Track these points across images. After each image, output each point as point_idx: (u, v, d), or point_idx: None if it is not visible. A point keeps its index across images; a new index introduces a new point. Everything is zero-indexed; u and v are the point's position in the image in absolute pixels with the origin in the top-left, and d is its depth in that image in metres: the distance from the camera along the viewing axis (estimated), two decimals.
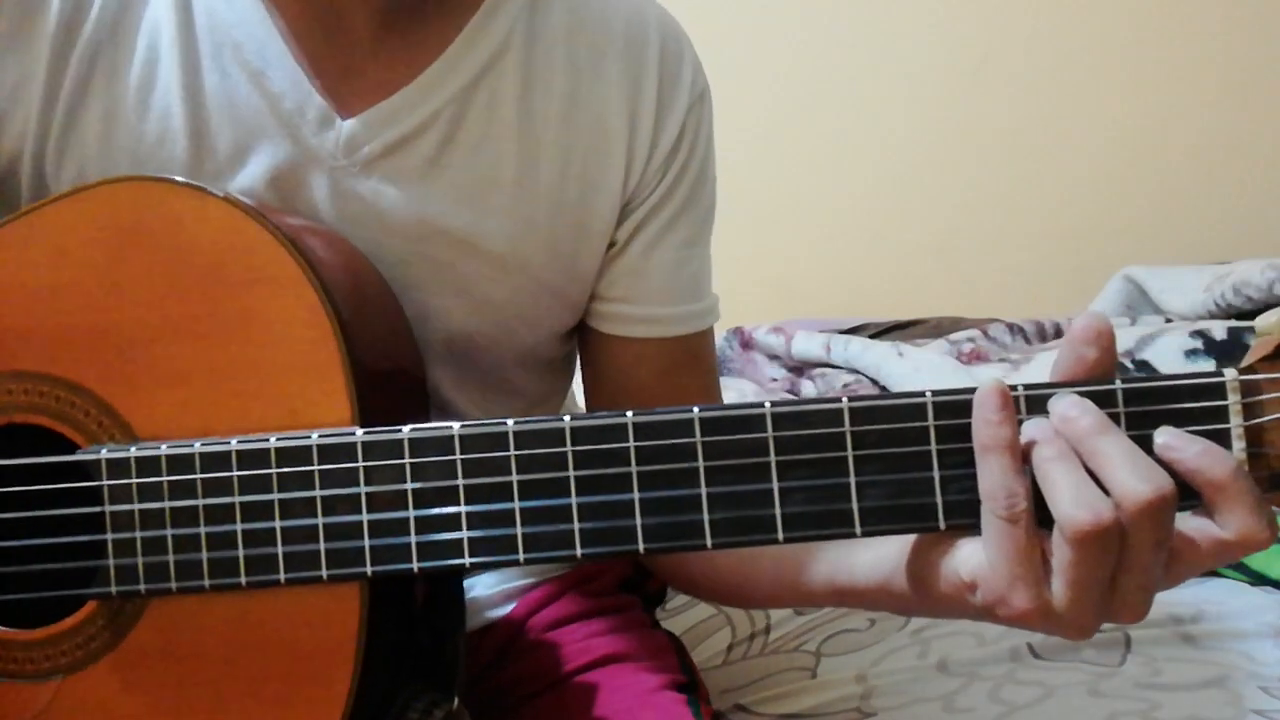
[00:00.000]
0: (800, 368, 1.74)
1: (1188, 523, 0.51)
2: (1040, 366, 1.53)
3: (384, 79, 0.72)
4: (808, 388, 1.69)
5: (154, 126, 0.70)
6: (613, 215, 0.78)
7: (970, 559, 0.54)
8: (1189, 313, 1.69)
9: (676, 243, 0.80)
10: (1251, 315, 1.62)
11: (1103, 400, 0.52)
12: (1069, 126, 2.03)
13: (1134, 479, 0.49)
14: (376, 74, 0.72)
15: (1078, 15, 2.02)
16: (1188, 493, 0.51)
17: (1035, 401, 0.53)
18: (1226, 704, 0.89)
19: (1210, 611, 1.04)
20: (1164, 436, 0.52)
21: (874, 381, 1.60)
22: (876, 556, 0.61)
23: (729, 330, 1.84)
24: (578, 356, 0.87)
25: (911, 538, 0.58)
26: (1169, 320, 1.69)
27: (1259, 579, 1.12)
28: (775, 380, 1.74)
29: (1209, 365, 1.49)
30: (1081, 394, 0.52)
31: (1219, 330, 1.52)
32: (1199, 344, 1.51)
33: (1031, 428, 0.52)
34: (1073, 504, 0.50)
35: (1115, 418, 0.52)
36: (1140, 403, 0.52)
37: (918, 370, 1.55)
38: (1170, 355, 1.50)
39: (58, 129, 0.70)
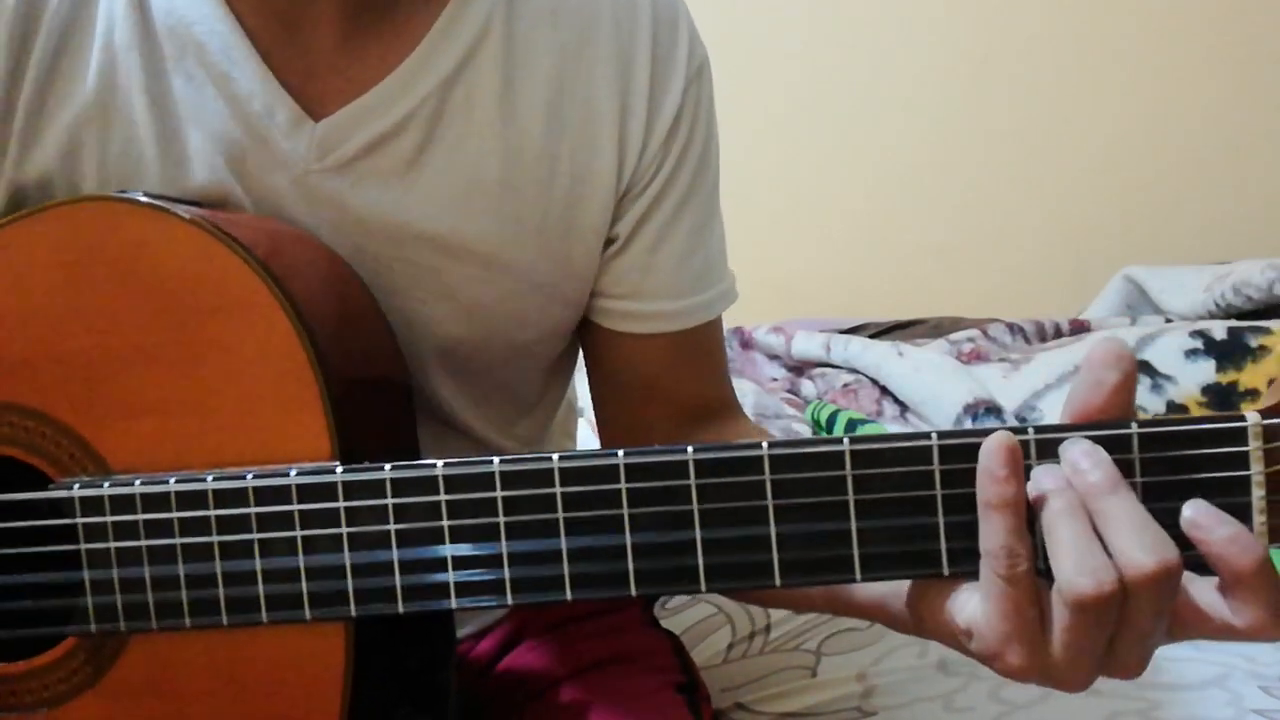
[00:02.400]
0: (800, 367, 1.74)
1: (1202, 595, 0.50)
2: (1040, 366, 1.53)
3: (355, 77, 0.68)
4: (808, 388, 1.69)
5: (119, 133, 0.68)
6: (606, 208, 0.73)
7: (967, 606, 0.52)
8: (1189, 313, 1.69)
9: (685, 232, 0.76)
10: (1251, 315, 1.62)
11: (1117, 445, 0.49)
12: (1069, 127, 2.03)
13: (1140, 550, 0.48)
14: (347, 72, 0.68)
15: (1078, 15, 2.02)
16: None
17: (1046, 446, 0.50)
18: (1226, 704, 0.89)
19: None
20: (1192, 511, 0.49)
21: (874, 381, 1.60)
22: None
23: (729, 330, 1.84)
24: (578, 353, 0.85)
25: None
26: (1169, 320, 1.69)
27: None
28: (775, 380, 1.74)
29: (1209, 365, 1.49)
30: (1095, 438, 0.50)
31: (1219, 330, 1.52)
32: (1199, 344, 1.51)
33: (1043, 477, 0.50)
34: (1076, 569, 0.48)
35: (1130, 464, 0.50)
36: (1156, 448, 0.50)
37: (918, 370, 1.55)
38: (1170, 355, 1.50)
39: (17, 142, 0.67)
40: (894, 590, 0.58)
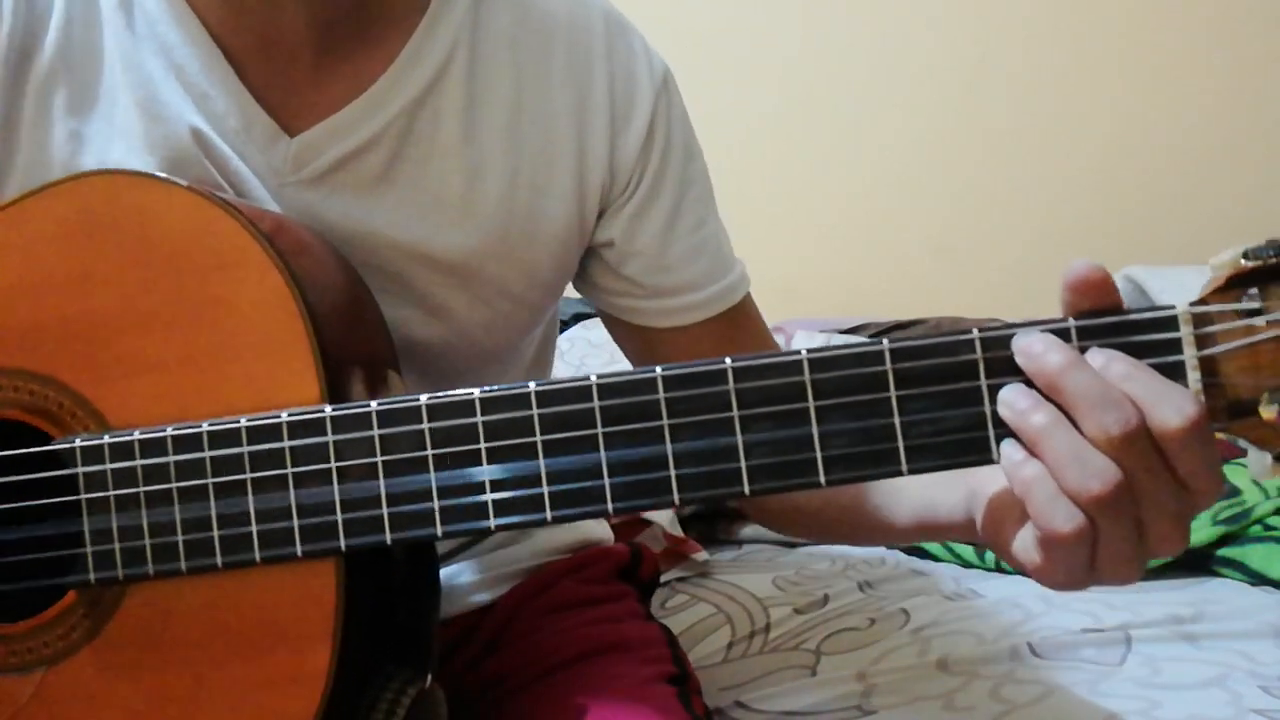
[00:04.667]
0: None
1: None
2: None
3: (329, 95, 0.72)
4: None
5: (119, 145, 0.71)
6: (572, 218, 0.78)
7: (1024, 547, 0.55)
8: None
9: (689, 227, 0.81)
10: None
11: (1058, 337, 0.53)
12: (1068, 126, 2.03)
13: (1121, 420, 0.50)
14: (323, 90, 0.72)
15: (1077, 15, 2.02)
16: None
17: (996, 343, 0.53)
18: (1226, 704, 0.89)
19: (1210, 611, 1.04)
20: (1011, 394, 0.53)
21: None
22: (951, 507, 0.65)
23: None
24: (550, 360, 0.89)
25: (984, 503, 0.60)
26: None
27: (1259, 579, 1.12)
28: None
29: None
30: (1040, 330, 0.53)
31: None
32: None
33: (1015, 397, 0.53)
34: (1080, 476, 0.50)
35: None
36: (1094, 338, 0.53)
37: None
38: None
39: (24, 151, 0.71)
40: (970, 520, 0.62)
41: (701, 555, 1.30)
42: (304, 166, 0.72)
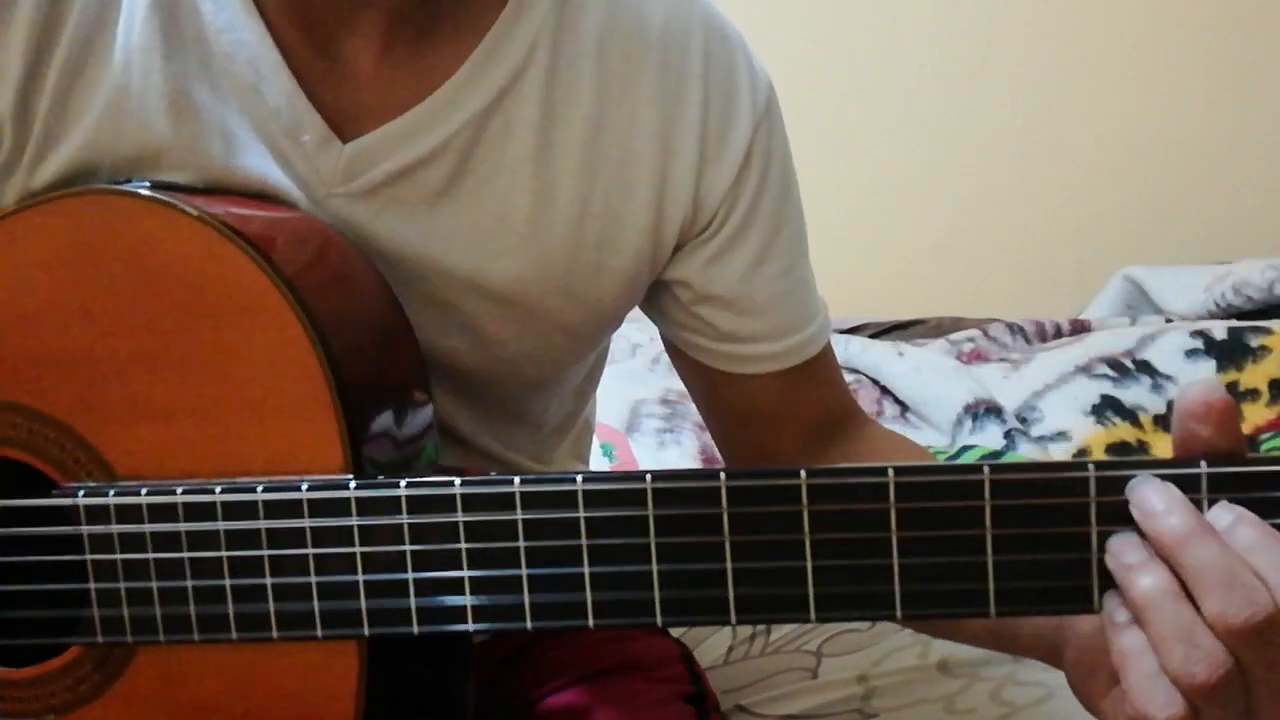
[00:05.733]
0: None
1: None
2: (1041, 366, 1.53)
3: (390, 99, 0.64)
4: None
5: (132, 137, 0.64)
6: (641, 252, 0.69)
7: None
8: (1189, 313, 1.69)
9: (776, 272, 0.73)
10: (1252, 315, 1.62)
11: (1182, 484, 0.46)
12: (1068, 127, 2.03)
13: (1233, 607, 0.44)
14: (384, 90, 0.64)
15: (1078, 15, 2.01)
16: None
17: (1112, 485, 0.47)
18: None
19: None
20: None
21: (874, 381, 1.60)
22: (1035, 631, 0.58)
23: None
24: (599, 376, 0.84)
25: (1076, 641, 0.54)
26: (1169, 320, 1.69)
27: None
28: None
29: (1210, 365, 1.49)
30: (1162, 476, 0.46)
31: (1219, 330, 1.52)
32: (1199, 344, 1.51)
33: (1125, 550, 0.46)
34: (1185, 660, 0.44)
35: (1198, 504, 0.46)
36: (1226, 490, 0.46)
37: (918, 370, 1.55)
38: (1171, 355, 1.50)
39: (35, 146, 0.64)
40: (1063, 645, 0.56)
41: None
42: (355, 177, 0.64)
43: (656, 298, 0.75)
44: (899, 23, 2.08)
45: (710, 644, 1.09)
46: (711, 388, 0.77)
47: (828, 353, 0.78)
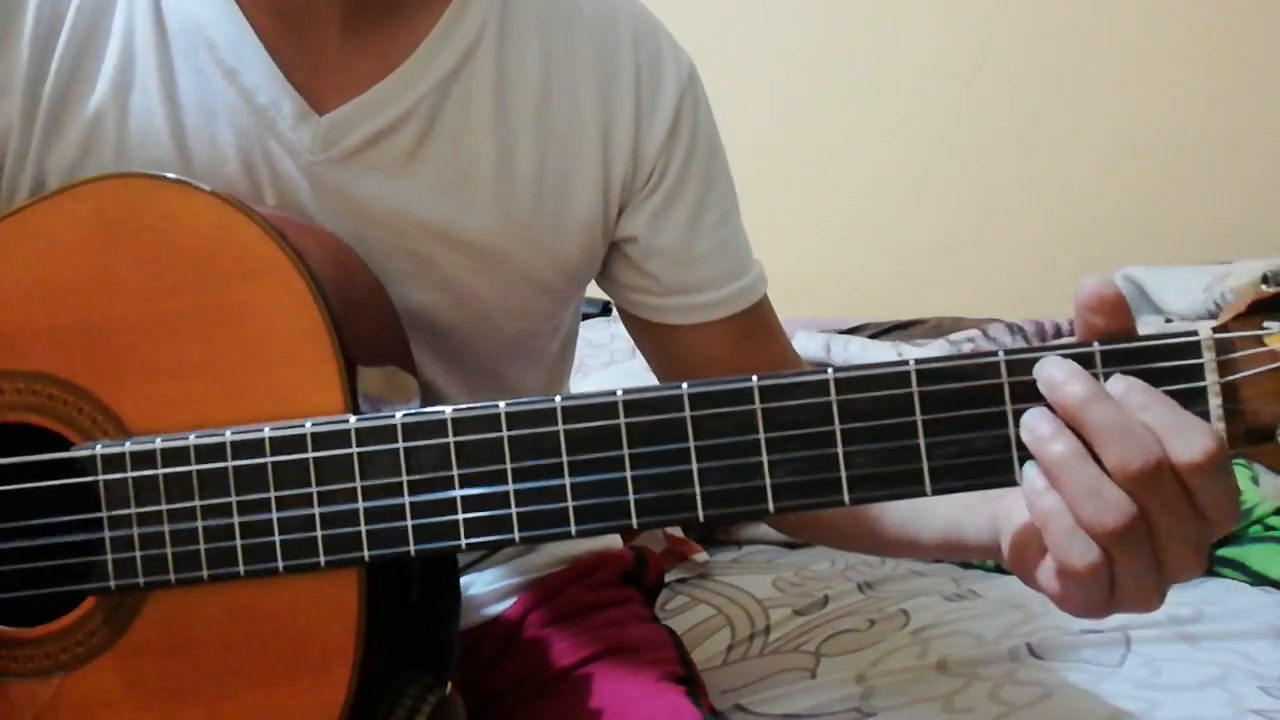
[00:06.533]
0: None
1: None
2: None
3: (358, 73, 0.72)
4: None
5: (135, 127, 0.71)
6: (597, 206, 0.78)
7: (1046, 576, 0.55)
8: (1189, 313, 1.69)
9: (713, 223, 0.81)
10: None
11: (1080, 362, 0.53)
12: (1069, 127, 2.03)
13: (1138, 454, 0.50)
14: (350, 69, 0.72)
15: (1078, 15, 2.02)
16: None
17: (1021, 366, 0.53)
18: (1226, 704, 0.89)
19: (1210, 611, 1.04)
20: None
21: None
22: (978, 529, 0.65)
23: None
24: (573, 351, 0.89)
25: (1011, 528, 0.60)
26: (1169, 320, 1.69)
27: (1259, 579, 1.12)
28: None
29: None
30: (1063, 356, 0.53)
31: None
32: None
33: (1037, 423, 0.52)
34: (1096, 511, 0.50)
35: (1095, 379, 0.52)
36: (1118, 363, 0.53)
37: None
38: None
39: (40, 134, 0.71)
40: (1001, 536, 0.62)
41: (701, 556, 1.30)
42: (333, 145, 0.72)
43: (610, 265, 0.83)
44: (899, 23, 2.09)
45: (709, 644, 1.09)
46: (665, 345, 0.85)
47: (769, 307, 0.86)
